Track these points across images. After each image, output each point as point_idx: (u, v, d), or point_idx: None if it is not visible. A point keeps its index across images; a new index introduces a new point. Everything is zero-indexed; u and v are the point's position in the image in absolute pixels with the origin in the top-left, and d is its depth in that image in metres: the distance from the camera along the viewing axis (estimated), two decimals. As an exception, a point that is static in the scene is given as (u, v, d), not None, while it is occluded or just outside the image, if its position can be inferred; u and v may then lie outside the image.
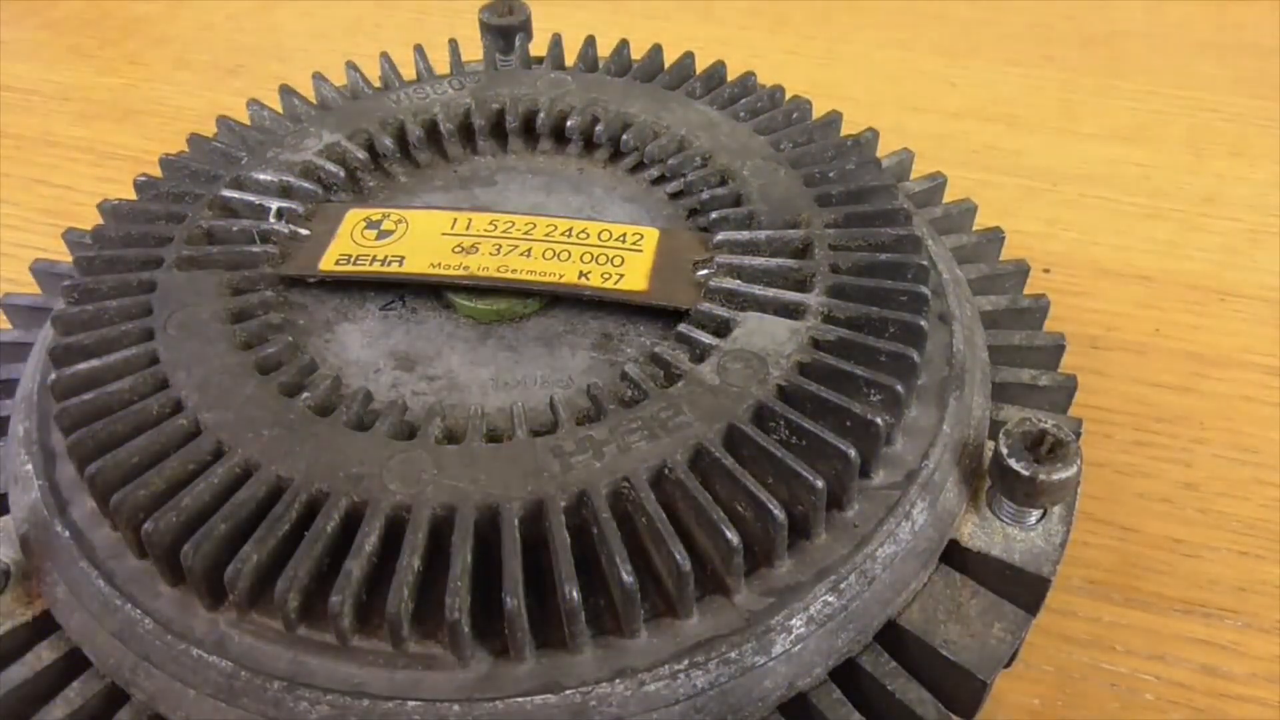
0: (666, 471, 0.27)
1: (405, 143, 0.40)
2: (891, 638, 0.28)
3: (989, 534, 0.30)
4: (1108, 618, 0.38)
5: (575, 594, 0.25)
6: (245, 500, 0.27)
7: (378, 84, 0.43)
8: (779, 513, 0.26)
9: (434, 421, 0.29)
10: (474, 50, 0.47)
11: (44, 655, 0.28)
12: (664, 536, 0.26)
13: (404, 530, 0.26)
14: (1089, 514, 0.40)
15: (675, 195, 0.38)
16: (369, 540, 0.25)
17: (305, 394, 0.30)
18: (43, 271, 0.40)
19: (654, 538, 0.26)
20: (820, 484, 0.27)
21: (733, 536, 0.26)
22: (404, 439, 0.28)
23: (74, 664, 0.28)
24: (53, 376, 0.30)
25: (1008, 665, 0.29)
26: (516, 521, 0.26)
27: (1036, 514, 0.30)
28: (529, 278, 0.34)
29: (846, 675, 0.28)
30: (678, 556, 0.25)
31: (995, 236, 0.41)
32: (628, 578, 0.25)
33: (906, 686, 0.27)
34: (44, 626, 0.29)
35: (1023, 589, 0.29)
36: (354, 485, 0.27)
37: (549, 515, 0.26)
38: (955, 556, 0.30)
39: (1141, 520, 0.40)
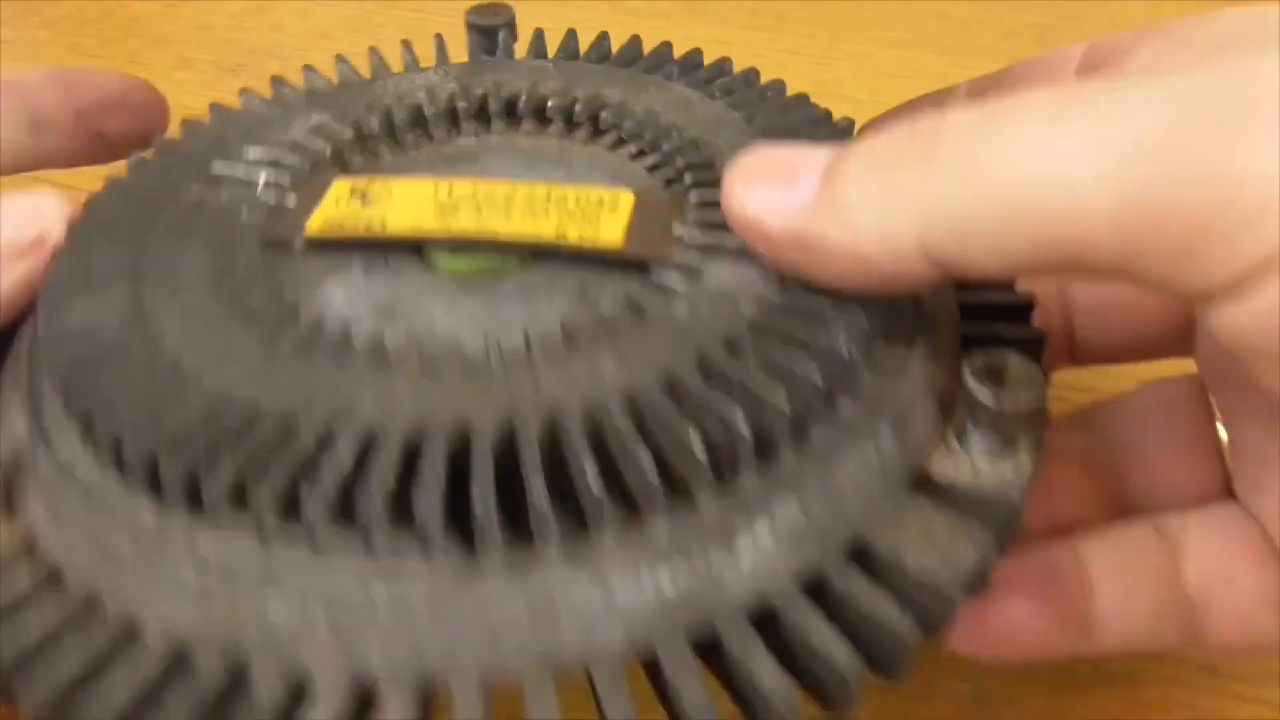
0: (637, 393, 0.28)
1: (391, 124, 0.41)
2: (860, 557, 0.28)
3: (957, 465, 0.30)
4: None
5: (543, 496, 0.25)
6: (220, 418, 0.27)
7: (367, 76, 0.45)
8: (744, 429, 0.27)
9: (410, 356, 0.30)
10: (463, 52, 0.48)
11: (22, 573, 0.28)
12: (630, 448, 0.26)
13: (377, 447, 0.26)
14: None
15: (653, 168, 0.39)
16: (343, 451, 0.26)
17: (285, 339, 0.30)
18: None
19: (620, 449, 0.26)
20: (785, 405, 0.27)
21: (698, 448, 0.26)
22: (380, 373, 0.29)
23: (54, 582, 0.28)
24: (42, 319, 0.31)
25: (978, 591, 0.29)
26: (488, 436, 0.26)
27: (1005, 446, 0.30)
28: (508, 237, 0.34)
29: (815, 591, 0.28)
30: (644, 464, 0.26)
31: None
32: (594, 483, 0.26)
33: (876, 600, 0.27)
34: (25, 546, 0.29)
35: (992, 517, 0.29)
36: (326, 409, 0.27)
37: (520, 430, 0.27)
38: (924, 487, 0.30)
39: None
